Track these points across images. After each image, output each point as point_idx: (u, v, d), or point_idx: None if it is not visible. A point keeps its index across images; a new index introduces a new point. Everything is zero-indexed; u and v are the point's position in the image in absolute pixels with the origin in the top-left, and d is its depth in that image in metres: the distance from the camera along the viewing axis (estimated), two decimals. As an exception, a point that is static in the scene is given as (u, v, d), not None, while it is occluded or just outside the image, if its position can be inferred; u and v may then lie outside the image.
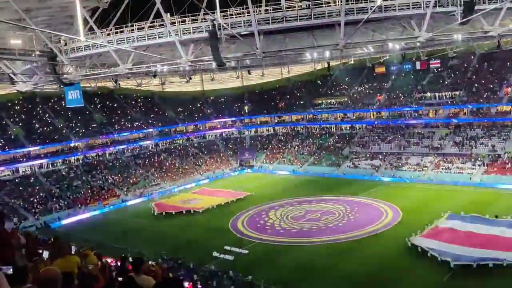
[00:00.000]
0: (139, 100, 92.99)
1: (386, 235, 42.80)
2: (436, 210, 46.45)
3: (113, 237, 49.20)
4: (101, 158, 78.07)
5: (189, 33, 30.26)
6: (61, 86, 36.62)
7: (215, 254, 40.32)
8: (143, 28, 31.36)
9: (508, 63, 74.29)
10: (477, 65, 78.39)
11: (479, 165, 63.04)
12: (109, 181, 71.67)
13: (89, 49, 33.21)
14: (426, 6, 28.87)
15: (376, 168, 71.18)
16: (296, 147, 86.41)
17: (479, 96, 72.16)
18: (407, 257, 36.86)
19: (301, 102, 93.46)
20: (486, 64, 77.35)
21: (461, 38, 45.82)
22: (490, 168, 61.86)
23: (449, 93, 75.89)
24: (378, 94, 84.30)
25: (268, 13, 29.87)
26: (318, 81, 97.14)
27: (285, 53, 44.50)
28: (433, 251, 35.63)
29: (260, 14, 29.87)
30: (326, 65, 76.67)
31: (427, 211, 47.77)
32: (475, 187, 58.69)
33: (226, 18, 29.61)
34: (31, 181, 67.32)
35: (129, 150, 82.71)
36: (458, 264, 33.07)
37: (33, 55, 33.05)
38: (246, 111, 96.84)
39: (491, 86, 72.66)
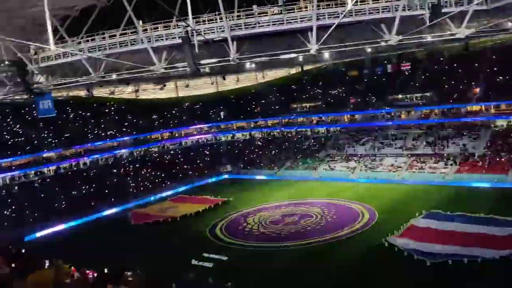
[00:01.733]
0: (112, 108, 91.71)
1: (363, 236, 43.32)
2: (411, 210, 47.25)
3: (89, 248, 48.22)
4: (75, 168, 76.63)
5: (162, 40, 30.15)
6: (32, 96, 35.91)
7: (194, 262, 39.96)
8: (115, 35, 31.07)
9: (476, 64, 76.36)
10: (446, 67, 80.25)
11: (451, 164, 64.49)
12: (84, 192, 70.30)
13: (60, 58, 32.72)
14: (395, 10, 29.52)
15: (352, 170, 72.01)
16: (273, 151, 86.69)
17: (450, 96, 73.89)
18: (385, 257, 37.31)
19: (277, 107, 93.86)
20: (455, 65, 79.28)
21: (430, 41, 46.89)
22: (462, 167, 63.35)
23: (420, 94, 77.50)
24: (351, 97, 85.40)
25: (241, 18, 30.04)
26: (293, 86, 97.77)
27: (259, 59, 44.66)
28: (409, 250, 36.27)
29: (233, 20, 30.01)
30: (300, 70, 77.29)
31: (403, 211, 48.55)
32: (448, 186, 59.94)
33: (199, 24, 29.63)
34: (3, 193, 65.52)
35: (103, 160, 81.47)
36: (434, 262, 33.72)
37: (2, 64, 32.31)
38: (222, 117, 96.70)
39: (461, 86, 74.51)
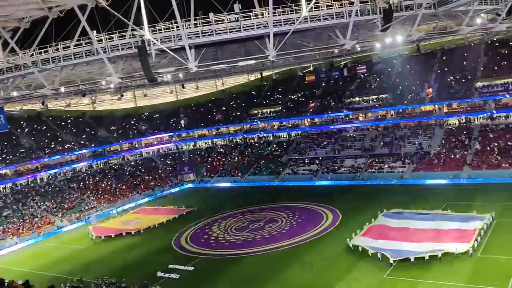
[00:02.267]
0: (69, 121, 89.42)
1: (327, 238, 43.94)
2: (373, 209, 48.36)
3: (49, 266, 46.82)
4: (32, 184, 74.05)
5: (118, 50, 29.72)
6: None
7: (159, 274, 39.35)
8: (69, 47, 30.39)
9: (428, 65, 79.35)
10: (399, 69, 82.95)
11: (408, 163, 66.49)
12: (42, 208, 67.98)
13: (11, 71, 31.67)
14: (349, 15, 30.33)
15: (314, 173, 73.01)
16: (236, 158, 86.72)
17: (404, 97, 76.30)
18: (349, 257, 38.01)
19: (238, 114, 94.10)
20: (408, 67, 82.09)
21: (383, 44, 48.43)
22: (418, 165, 65.43)
23: (376, 96, 79.60)
24: (310, 101, 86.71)
25: (198, 26, 30.05)
26: (253, 92, 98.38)
27: (218, 66, 44.78)
28: (373, 249, 37.03)
29: (190, 28, 29.98)
30: (259, 76, 77.85)
31: (364, 210, 49.56)
32: (406, 184, 61.74)
33: (155, 33, 29.41)
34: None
35: (61, 174, 79.14)
36: (397, 260, 34.62)
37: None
38: (183, 125, 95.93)
39: (414, 87, 77.12)
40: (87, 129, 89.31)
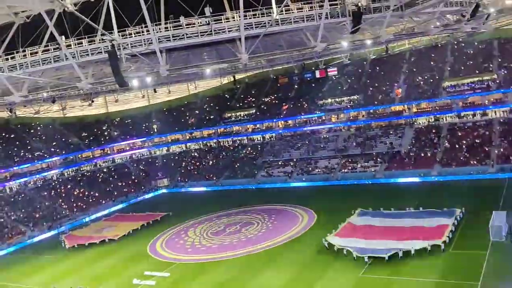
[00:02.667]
0: (39, 128, 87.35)
1: (303, 238, 44.27)
2: (347, 209, 48.93)
3: (19, 277, 45.54)
4: (1, 194, 71.92)
5: (87, 55, 29.27)
6: None
7: (135, 281, 38.84)
8: (37, 53, 29.76)
9: (396, 66, 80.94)
10: (369, 70, 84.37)
11: (380, 163, 67.62)
12: (12, 218, 66.13)
13: (-24, 78, 30.78)
14: (319, 18, 30.69)
15: (289, 175, 73.41)
16: (210, 162, 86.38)
17: (375, 98, 77.60)
18: (325, 256, 38.36)
19: (211, 117, 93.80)
20: (377, 68, 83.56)
21: (352, 46, 49.21)
22: (390, 164, 66.63)
23: (348, 97, 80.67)
24: (284, 103, 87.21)
25: (168, 30, 29.88)
26: (226, 95, 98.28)
27: (190, 70, 44.61)
28: (348, 248, 37.46)
29: (160, 32, 29.78)
30: (232, 79, 77.82)
31: (339, 211, 50.02)
32: (379, 183, 62.78)
33: (125, 38, 29.10)
34: None
35: (32, 183, 77.17)
36: (372, 258, 35.14)
37: None
38: (156, 130, 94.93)
39: (384, 88, 78.54)
40: (58, 136, 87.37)
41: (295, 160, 77.05)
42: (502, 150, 59.89)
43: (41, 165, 79.61)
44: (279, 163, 77.93)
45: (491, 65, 71.53)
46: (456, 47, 77.33)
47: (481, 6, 36.44)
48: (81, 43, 29.74)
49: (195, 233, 51.93)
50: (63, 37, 28.72)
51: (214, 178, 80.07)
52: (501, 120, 66.19)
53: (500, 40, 74.52)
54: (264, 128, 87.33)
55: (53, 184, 78.68)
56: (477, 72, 70.92)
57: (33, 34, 30.63)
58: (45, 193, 75.07)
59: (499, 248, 34.13)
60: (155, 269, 41.29)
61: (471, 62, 73.60)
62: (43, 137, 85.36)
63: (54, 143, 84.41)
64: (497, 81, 67.77)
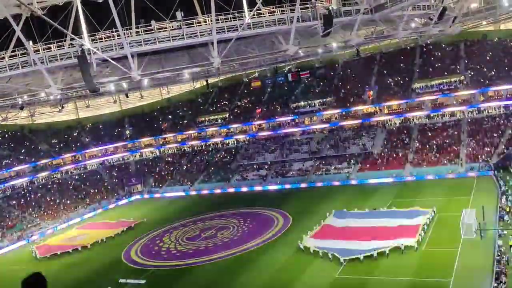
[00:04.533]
0: (6, 136, 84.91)
1: (279, 241, 44.35)
2: (322, 211, 49.38)
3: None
4: (-34, 205, 69.67)
5: (56, 60, 28.65)
6: None
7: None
8: (3, 58, 28.96)
9: (367, 69, 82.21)
10: (341, 73, 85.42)
11: (354, 164, 68.46)
12: (-21, 229, 64.07)
13: None
14: (291, 22, 30.90)
15: (264, 178, 73.52)
16: (185, 166, 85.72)
17: (347, 100, 78.57)
18: (301, 258, 38.56)
19: (185, 121, 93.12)
20: (349, 71, 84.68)
21: (324, 49, 49.75)
22: (363, 166, 67.53)
23: (320, 100, 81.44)
24: (257, 107, 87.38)
25: (140, 35, 29.55)
26: (199, 99, 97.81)
27: (162, 74, 44.15)
28: (323, 249, 37.77)
29: (132, 36, 29.42)
30: (205, 83, 77.46)
31: (314, 212, 50.49)
32: (353, 184, 63.54)
33: (95, 42, 28.62)
34: None
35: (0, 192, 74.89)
36: (347, 259, 35.51)
37: None
38: (128, 136, 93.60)
39: (356, 90, 79.64)
40: (26, 143, 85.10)
41: (269, 163, 77.23)
42: (470, 149, 61.57)
43: (9, 174, 77.31)
44: (254, 166, 77.98)
45: (458, 67, 73.50)
46: (424, 49, 79.11)
47: (447, 10, 37.42)
48: (50, 48, 29.10)
49: (170, 238, 51.39)
50: (31, 42, 28.07)
51: (189, 183, 79.48)
52: (469, 120, 68.03)
53: (466, 42, 76.67)
54: (238, 131, 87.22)
55: (23, 192, 76.53)
56: (445, 73, 72.72)
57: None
58: (14, 202, 72.93)
59: (469, 244, 35.02)
60: (130, 277, 40.63)
61: (439, 64, 75.41)
62: (11, 145, 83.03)
63: (22, 151, 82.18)
64: (465, 82, 69.65)
